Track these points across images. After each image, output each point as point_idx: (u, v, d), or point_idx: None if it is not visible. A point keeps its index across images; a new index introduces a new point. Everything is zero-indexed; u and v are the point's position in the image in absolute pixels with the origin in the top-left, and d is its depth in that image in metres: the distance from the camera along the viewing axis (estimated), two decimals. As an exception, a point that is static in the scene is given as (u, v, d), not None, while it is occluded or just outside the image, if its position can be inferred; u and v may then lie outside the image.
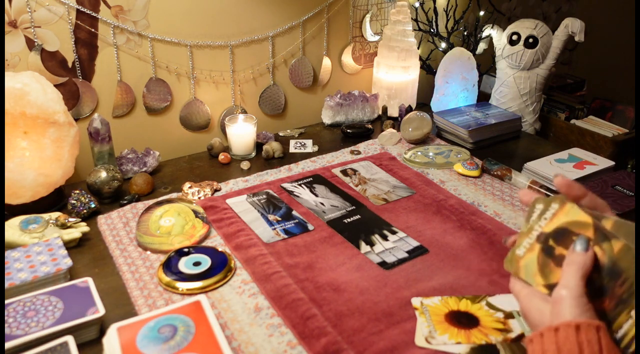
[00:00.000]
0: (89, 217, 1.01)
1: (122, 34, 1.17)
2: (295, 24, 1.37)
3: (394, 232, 0.98)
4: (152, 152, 1.20)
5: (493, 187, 1.14)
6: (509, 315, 0.77)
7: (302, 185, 1.13)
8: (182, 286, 0.82)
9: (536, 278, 0.58)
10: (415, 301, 0.80)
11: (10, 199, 0.96)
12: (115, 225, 0.99)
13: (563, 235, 0.58)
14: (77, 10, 1.10)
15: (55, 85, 1.07)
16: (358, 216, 1.03)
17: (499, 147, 1.35)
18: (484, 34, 1.59)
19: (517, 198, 1.10)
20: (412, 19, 1.49)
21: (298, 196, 1.09)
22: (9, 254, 0.82)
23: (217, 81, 1.32)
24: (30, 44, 1.08)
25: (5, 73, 0.96)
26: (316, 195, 1.10)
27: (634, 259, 0.51)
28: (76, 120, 1.16)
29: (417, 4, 1.57)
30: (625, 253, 0.52)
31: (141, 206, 1.04)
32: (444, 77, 1.48)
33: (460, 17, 1.63)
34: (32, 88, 0.95)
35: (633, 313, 0.50)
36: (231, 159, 1.26)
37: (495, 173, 1.18)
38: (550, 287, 0.56)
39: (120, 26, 1.15)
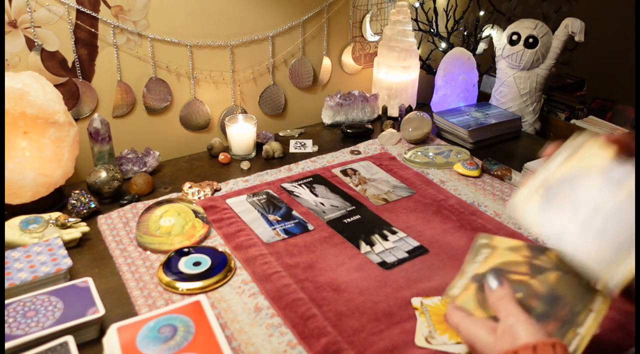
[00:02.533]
0: (89, 217, 1.01)
1: (122, 34, 1.17)
2: (295, 24, 1.37)
3: (394, 232, 0.98)
4: (152, 152, 1.20)
5: (493, 187, 1.14)
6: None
7: (302, 185, 1.13)
8: (182, 286, 0.82)
9: (476, 312, 0.62)
10: (415, 301, 0.80)
11: (10, 199, 0.96)
12: (115, 225, 0.99)
13: (497, 274, 0.63)
14: (77, 10, 1.10)
15: (55, 85, 1.07)
16: (358, 216, 1.03)
17: (499, 147, 1.35)
18: (484, 34, 1.59)
19: (513, 194, 1.09)
20: (412, 19, 1.49)
21: (298, 196, 1.09)
22: (9, 254, 0.82)
23: (217, 81, 1.32)
24: (30, 44, 1.08)
25: (5, 73, 0.96)
26: (316, 195, 1.10)
27: (570, 286, 0.57)
28: (76, 120, 1.16)
29: (417, 4, 1.57)
30: (561, 282, 0.57)
31: (141, 206, 1.04)
32: (444, 77, 1.48)
33: (460, 17, 1.63)
34: (32, 88, 0.95)
35: (579, 329, 0.56)
36: (231, 159, 1.26)
37: (495, 173, 1.18)
38: (493, 319, 0.60)
39: (120, 26, 1.15)
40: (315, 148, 1.32)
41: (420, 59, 1.55)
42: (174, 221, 0.97)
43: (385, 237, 0.96)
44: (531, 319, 0.56)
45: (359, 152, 1.29)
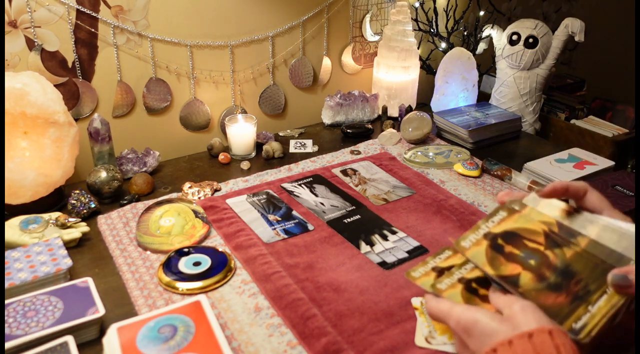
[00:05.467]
0: (89, 217, 1.01)
1: (122, 34, 1.17)
2: (295, 24, 1.37)
3: (394, 232, 0.98)
4: (152, 152, 1.20)
5: (493, 187, 1.14)
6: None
7: (302, 185, 1.13)
8: (182, 286, 0.82)
9: (485, 268, 0.63)
10: (415, 301, 0.80)
11: (10, 199, 0.96)
12: (115, 225, 0.99)
13: (513, 237, 0.64)
14: (77, 10, 1.10)
15: (55, 86, 1.07)
16: (358, 216, 1.03)
17: (499, 147, 1.35)
18: (484, 34, 1.59)
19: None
20: (412, 19, 1.49)
21: (298, 196, 1.09)
22: (9, 254, 0.82)
23: (217, 81, 1.32)
24: (30, 44, 1.08)
25: (5, 73, 0.96)
26: (316, 195, 1.10)
27: (587, 264, 0.59)
28: (76, 120, 1.16)
29: (417, 4, 1.57)
30: (578, 259, 0.58)
31: (141, 206, 1.04)
32: (444, 77, 1.48)
33: (460, 17, 1.63)
34: (32, 88, 0.95)
35: (591, 307, 0.56)
36: (231, 159, 1.26)
37: (495, 173, 1.18)
38: (502, 278, 0.61)
39: (120, 26, 1.15)
40: (315, 148, 1.32)
41: (420, 59, 1.55)
42: (174, 221, 0.97)
43: (385, 237, 0.96)
44: (531, 305, 0.55)
45: (359, 152, 1.29)
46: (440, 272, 0.66)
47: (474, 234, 0.67)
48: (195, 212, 1.00)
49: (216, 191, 1.12)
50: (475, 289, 0.64)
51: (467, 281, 0.64)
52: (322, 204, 1.07)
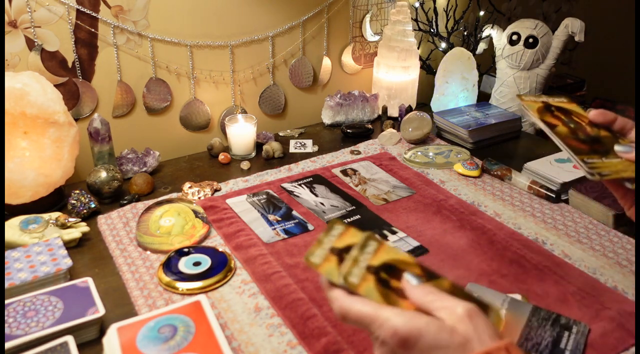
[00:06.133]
0: (89, 217, 1.01)
1: (122, 34, 1.17)
2: (295, 24, 1.37)
3: (394, 232, 0.98)
4: (152, 152, 1.20)
5: (493, 187, 1.14)
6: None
7: (302, 185, 1.13)
8: (182, 286, 0.82)
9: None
10: (415, 301, 0.80)
11: (10, 199, 0.96)
12: (115, 225, 0.99)
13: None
14: (77, 10, 1.10)
15: (55, 86, 1.07)
16: (358, 216, 1.03)
17: (499, 147, 1.35)
18: (484, 34, 1.59)
19: (517, 198, 1.10)
20: (412, 19, 1.49)
21: (298, 196, 1.09)
22: (9, 254, 0.82)
23: (217, 81, 1.32)
24: (30, 44, 1.08)
25: (5, 73, 0.96)
26: (316, 195, 1.10)
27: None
28: (76, 120, 1.16)
29: (417, 4, 1.57)
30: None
31: (141, 206, 1.04)
32: (444, 77, 1.48)
33: (460, 17, 1.63)
34: (32, 88, 0.95)
35: (604, 159, 0.63)
36: (231, 159, 1.26)
37: (495, 173, 1.18)
38: (543, 121, 0.68)
39: (120, 26, 1.15)
40: (315, 148, 1.32)
41: (420, 59, 1.55)
42: (174, 221, 0.97)
43: (385, 238, 0.96)
44: (476, 310, 0.48)
45: (359, 152, 1.29)
46: (339, 255, 0.57)
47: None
48: (195, 212, 1.00)
49: (216, 191, 1.12)
50: (387, 282, 0.55)
51: (376, 270, 0.55)
52: (322, 204, 1.07)
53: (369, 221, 1.01)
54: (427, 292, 0.50)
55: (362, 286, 0.54)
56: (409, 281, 0.52)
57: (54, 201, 1.04)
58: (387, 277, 0.55)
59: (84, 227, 0.95)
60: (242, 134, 1.24)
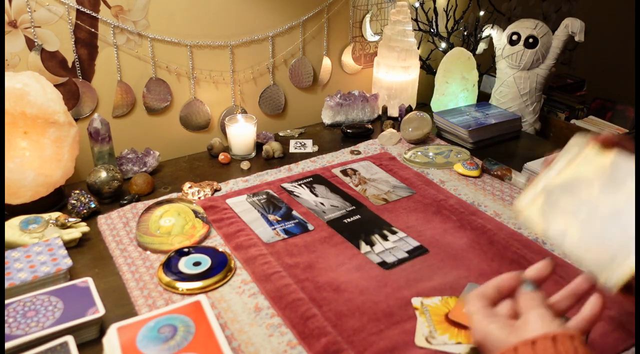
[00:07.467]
0: (89, 217, 1.01)
1: (122, 34, 1.17)
2: (295, 24, 1.37)
3: (394, 232, 0.98)
4: (152, 152, 1.20)
5: (493, 187, 1.14)
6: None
7: (302, 185, 1.13)
8: (182, 286, 0.82)
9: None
10: (416, 301, 0.80)
11: (10, 199, 0.96)
12: (115, 225, 0.99)
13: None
14: (77, 10, 1.10)
15: (55, 86, 1.07)
16: (358, 216, 1.03)
17: (499, 147, 1.35)
18: (484, 34, 1.59)
19: (517, 198, 1.10)
20: (412, 19, 1.49)
21: (298, 196, 1.09)
22: (9, 254, 0.82)
23: (217, 81, 1.32)
24: (30, 44, 1.08)
25: (5, 73, 0.96)
26: (316, 195, 1.10)
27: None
28: (76, 120, 1.16)
29: (417, 4, 1.57)
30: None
31: (141, 206, 1.04)
32: (444, 77, 1.48)
33: (460, 17, 1.63)
34: (32, 88, 0.95)
35: None
36: (231, 159, 1.26)
37: (495, 173, 1.18)
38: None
39: (120, 26, 1.15)
40: (315, 148, 1.32)
41: (420, 59, 1.55)
42: (174, 221, 0.97)
43: (385, 237, 0.96)
44: (548, 313, 0.54)
45: (359, 152, 1.29)
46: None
47: (532, 192, 0.66)
48: (195, 212, 1.00)
49: (216, 191, 1.12)
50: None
51: (552, 189, 0.63)
52: (322, 204, 1.07)
53: (369, 221, 1.01)
54: (529, 299, 0.57)
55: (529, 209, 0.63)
56: (524, 288, 0.58)
57: (54, 201, 1.04)
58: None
59: (84, 227, 0.95)
60: (242, 134, 1.24)
